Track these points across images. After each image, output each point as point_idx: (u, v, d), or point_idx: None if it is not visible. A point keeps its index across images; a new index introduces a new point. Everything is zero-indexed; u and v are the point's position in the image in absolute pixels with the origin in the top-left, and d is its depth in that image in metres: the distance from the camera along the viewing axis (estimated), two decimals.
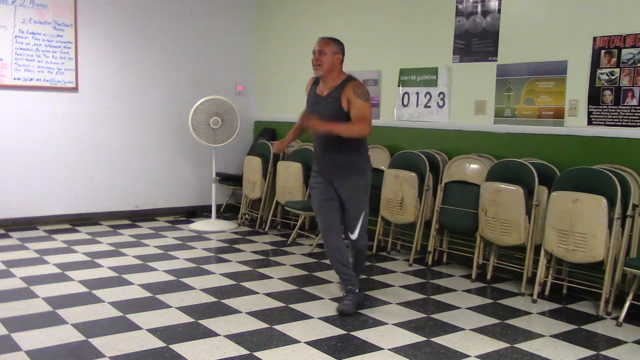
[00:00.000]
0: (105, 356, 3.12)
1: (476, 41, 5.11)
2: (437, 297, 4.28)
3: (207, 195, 6.91)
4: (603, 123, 4.33)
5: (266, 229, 6.40)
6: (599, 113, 4.35)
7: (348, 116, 3.80)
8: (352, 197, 3.91)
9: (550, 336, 3.58)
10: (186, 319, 3.71)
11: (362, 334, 3.52)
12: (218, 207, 6.96)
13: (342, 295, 4.06)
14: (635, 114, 4.16)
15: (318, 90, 3.95)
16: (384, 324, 3.71)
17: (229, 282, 4.53)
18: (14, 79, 6.09)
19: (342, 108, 3.80)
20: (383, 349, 3.32)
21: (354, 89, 3.79)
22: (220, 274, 4.73)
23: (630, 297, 3.83)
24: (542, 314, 4.02)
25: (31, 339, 3.31)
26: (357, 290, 4.01)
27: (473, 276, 4.73)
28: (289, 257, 5.30)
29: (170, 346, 3.27)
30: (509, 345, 3.42)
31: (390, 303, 4.12)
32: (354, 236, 3.95)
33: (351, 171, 3.88)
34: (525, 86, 4.79)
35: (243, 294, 4.23)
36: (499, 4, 4.94)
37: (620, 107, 4.23)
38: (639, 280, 3.83)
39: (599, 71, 4.33)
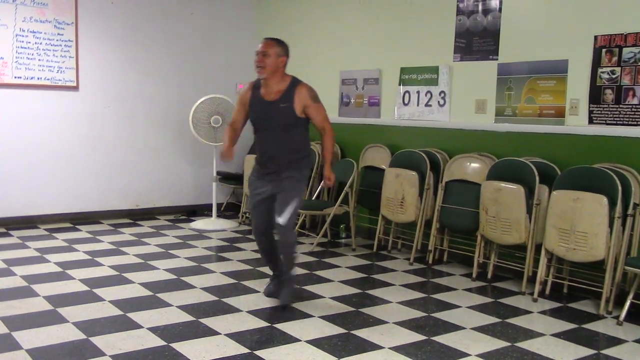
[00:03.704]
0: (105, 355, 3.12)
1: (477, 40, 5.10)
2: (438, 296, 4.28)
3: (208, 194, 6.91)
4: (604, 122, 4.33)
5: None
6: (599, 112, 4.35)
7: (301, 122, 3.83)
8: (288, 184, 3.82)
9: (551, 335, 3.58)
10: (187, 317, 3.71)
11: (362, 333, 3.52)
12: (219, 205, 6.96)
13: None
14: (636, 113, 4.15)
15: (263, 95, 3.83)
16: (385, 322, 3.71)
17: (230, 280, 4.53)
18: (15, 77, 6.09)
19: (296, 115, 3.79)
20: (383, 347, 3.32)
21: (309, 94, 3.82)
22: (220, 273, 4.73)
23: (630, 296, 3.82)
24: (543, 312, 4.02)
25: (32, 338, 3.31)
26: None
27: (474, 275, 4.73)
28: None
29: (171, 345, 3.27)
30: (510, 344, 3.42)
31: (391, 302, 4.12)
32: (281, 220, 3.73)
33: (296, 165, 3.85)
34: (526, 85, 4.78)
35: (244, 293, 4.23)
36: (500, 2, 4.94)
37: (621, 106, 4.23)
38: None
39: (599, 70, 4.33)
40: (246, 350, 3.23)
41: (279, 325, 3.60)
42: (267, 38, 3.85)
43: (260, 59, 3.76)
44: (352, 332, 3.54)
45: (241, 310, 3.85)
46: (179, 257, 5.20)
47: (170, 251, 5.39)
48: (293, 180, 3.84)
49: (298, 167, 3.87)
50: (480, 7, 5.07)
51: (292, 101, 3.77)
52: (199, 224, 6.49)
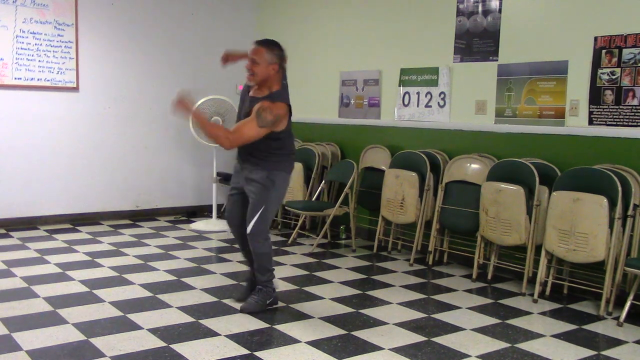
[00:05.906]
0: (105, 356, 3.12)
1: (477, 41, 5.11)
2: (438, 297, 4.28)
3: (208, 194, 6.91)
4: (604, 123, 4.33)
5: None
6: (599, 113, 4.35)
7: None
8: (255, 192, 3.69)
9: (551, 336, 3.58)
10: (187, 318, 3.71)
11: (362, 334, 3.52)
12: (219, 206, 6.95)
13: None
14: (636, 114, 4.16)
15: (251, 90, 3.72)
16: (385, 323, 3.71)
17: (230, 281, 4.53)
18: (15, 78, 6.09)
19: None
20: (383, 348, 3.32)
21: (261, 108, 3.50)
22: (220, 274, 4.73)
23: (631, 297, 3.83)
24: (543, 314, 4.02)
25: (32, 339, 3.31)
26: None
27: (474, 276, 4.73)
28: (290, 257, 5.30)
29: (171, 346, 3.27)
30: (510, 345, 3.42)
31: (391, 303, 4.12)
32: (248, 228, 3.70)
33: (263, 166, 3.67)
34: (526, 86, 4.79)
35: None
36: (500, 3, 4.94)
37: (621, 107, 4.23)
38: None
39: (599, 71, 4.33)
40: (246, 352, 3.23)
41: (278, 327, 3.60)
42: (257, 42, 3.63)
43: (250, 67, 3.59)
44: (352, 333, 3.54)
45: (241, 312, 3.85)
46: (179, 258, 5.20)
47: (170, 252, 5.39)
48: (259, 188, 3.67)
49: (266, 170, 3.67)
50: (480, 8, 5.07)
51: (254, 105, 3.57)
52: (199, 224, 6.49)
